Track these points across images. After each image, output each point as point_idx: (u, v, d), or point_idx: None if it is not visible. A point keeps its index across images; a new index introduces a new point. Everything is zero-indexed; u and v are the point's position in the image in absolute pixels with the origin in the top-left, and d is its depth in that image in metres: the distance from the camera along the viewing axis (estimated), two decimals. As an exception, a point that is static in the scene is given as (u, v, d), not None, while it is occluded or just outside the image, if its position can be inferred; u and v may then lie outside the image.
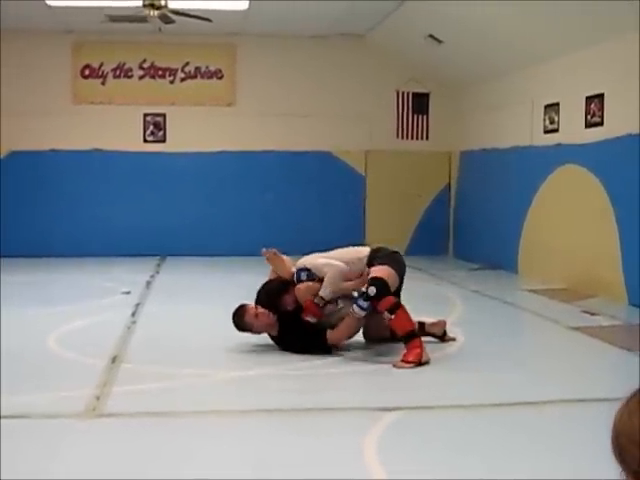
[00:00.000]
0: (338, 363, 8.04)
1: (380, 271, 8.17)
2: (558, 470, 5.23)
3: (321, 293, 8.19)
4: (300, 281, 8.37)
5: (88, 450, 5.61)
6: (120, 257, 17.61)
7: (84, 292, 13.13)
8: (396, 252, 8.71)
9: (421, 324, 8.64)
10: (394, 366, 7.84)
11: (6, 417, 6.19)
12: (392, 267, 8.27)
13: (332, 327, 8.32)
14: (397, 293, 8.40)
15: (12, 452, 5.49)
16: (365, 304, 8.03)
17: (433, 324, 8.92)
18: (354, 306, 8.11)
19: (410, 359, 7.87)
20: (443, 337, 8.91)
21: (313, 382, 7.50)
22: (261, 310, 8.35)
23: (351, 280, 8.42)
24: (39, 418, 6.24)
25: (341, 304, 8.42)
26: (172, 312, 11.28)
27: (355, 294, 8.21)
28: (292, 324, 8.38)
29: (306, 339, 8.37)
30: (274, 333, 8.55)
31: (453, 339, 9.00)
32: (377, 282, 8.04)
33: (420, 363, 7.86)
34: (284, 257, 8.77)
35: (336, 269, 8.26)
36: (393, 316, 8.00)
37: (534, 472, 5.23)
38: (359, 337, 8.71)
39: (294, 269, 8.51)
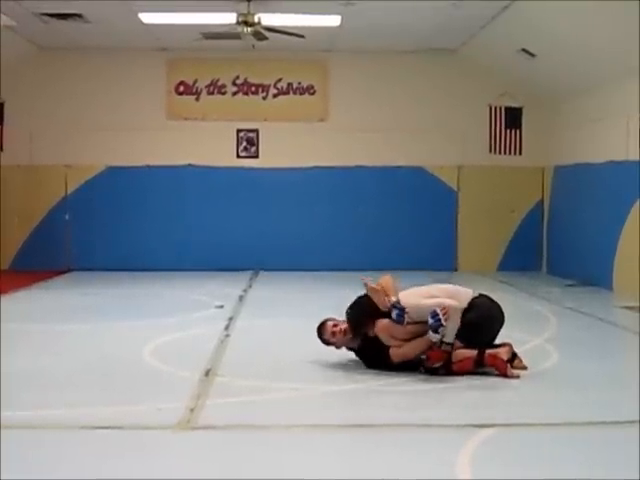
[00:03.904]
0: (431, 379, 7.98)
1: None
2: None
3: (447, 339, 8.07)
4: (392, 318, 8.23)
5: (181, 462, 5.65)
6: (213, 271, 17.77)
7: (178, 305, 13.29)
8: (490, 309, 8.50)
9: (481, 353, 8.23)
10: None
11: (101, 427, 6.30)
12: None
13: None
14: (490, 339, 8.39)
15: (105, 462, 5.58)
16: (433, 320, 7.97)
17: (497, 352, 8.29)
18: (430, 332, 8.04)
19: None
20: (512, 362, 8.30)
21: (407, 398, 7.46)
22: (338, 328, 8.45)
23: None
24: (133, 429, 6.32)
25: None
26: (265, 326, 11.37)
27: (430, 320, 8.09)
28: (370, 343, 8.40)
29: (375, 355, 8.38)
30: (355, 347, 8.58)
31: (519, 374, 8.20)
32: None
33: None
34: (387, 277, 8.73)
35: (455, 312, 8.09)
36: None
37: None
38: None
39: (389, 304, 8.30)
